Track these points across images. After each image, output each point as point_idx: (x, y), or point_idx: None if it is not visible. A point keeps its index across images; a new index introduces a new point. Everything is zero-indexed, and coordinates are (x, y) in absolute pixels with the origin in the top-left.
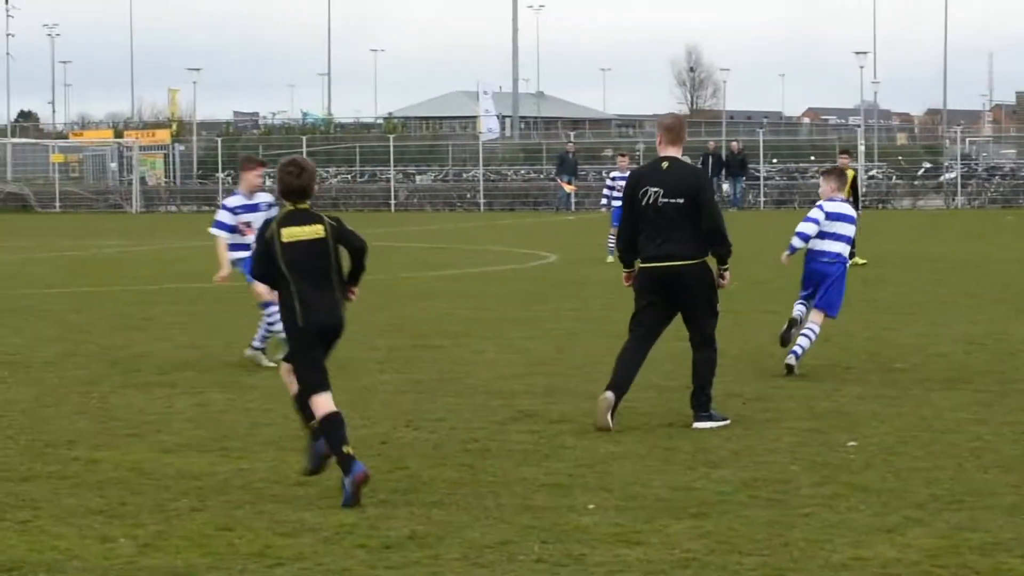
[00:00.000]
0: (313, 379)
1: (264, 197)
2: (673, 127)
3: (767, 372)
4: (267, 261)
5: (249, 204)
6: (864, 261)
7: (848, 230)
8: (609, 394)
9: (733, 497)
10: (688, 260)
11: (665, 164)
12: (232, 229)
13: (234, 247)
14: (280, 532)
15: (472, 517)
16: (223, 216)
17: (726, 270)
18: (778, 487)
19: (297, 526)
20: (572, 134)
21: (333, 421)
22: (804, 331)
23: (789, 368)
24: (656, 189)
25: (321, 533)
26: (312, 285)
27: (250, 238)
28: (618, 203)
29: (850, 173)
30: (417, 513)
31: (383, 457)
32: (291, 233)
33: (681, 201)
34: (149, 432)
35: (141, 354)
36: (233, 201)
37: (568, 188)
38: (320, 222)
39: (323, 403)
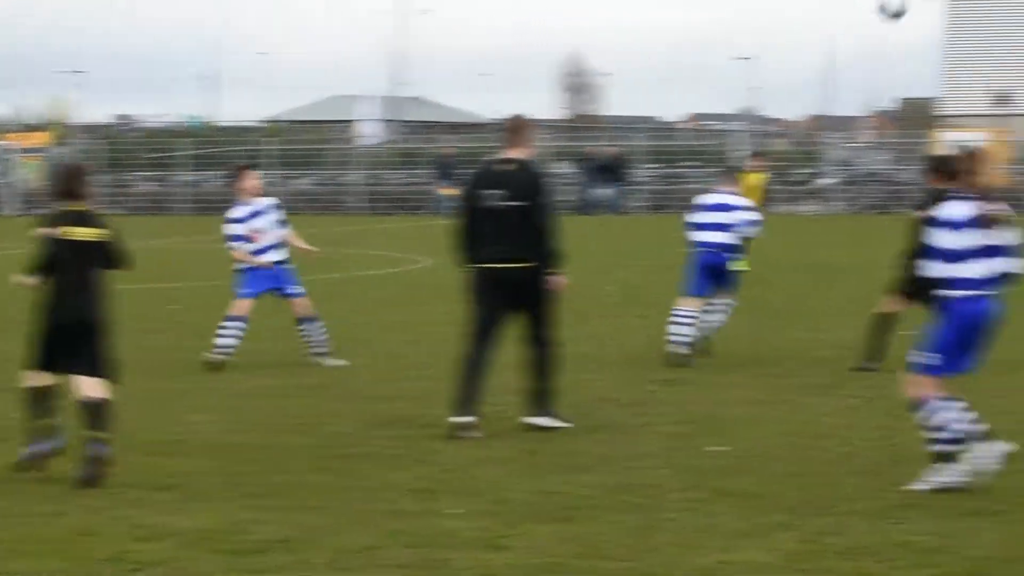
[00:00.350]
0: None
1: (267, 200)
2: (515, 128)
3: (643, 377)
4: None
5: (255, 210)
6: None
7: (730, 218)
8: (470, 420)
9: (600, 502)
10: (529, 263)
11: (508, 166)
12: (246, 239)
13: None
14: (139, 536)
15: (339, 522)
16: (234, 229)
17: (555, 274)
18: (646, 492)
19: (158, 530)
20: (443, 139)
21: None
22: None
23: (684, 356)
24: (498, 192)
25: (183, 537)
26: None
27: (262, 243)
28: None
29: (758, 177)
30: (286, 518)
31: (255, 462)
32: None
33: (523, 204)
34: (10, 437)
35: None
36: (239, 212)
37: (447, 192)
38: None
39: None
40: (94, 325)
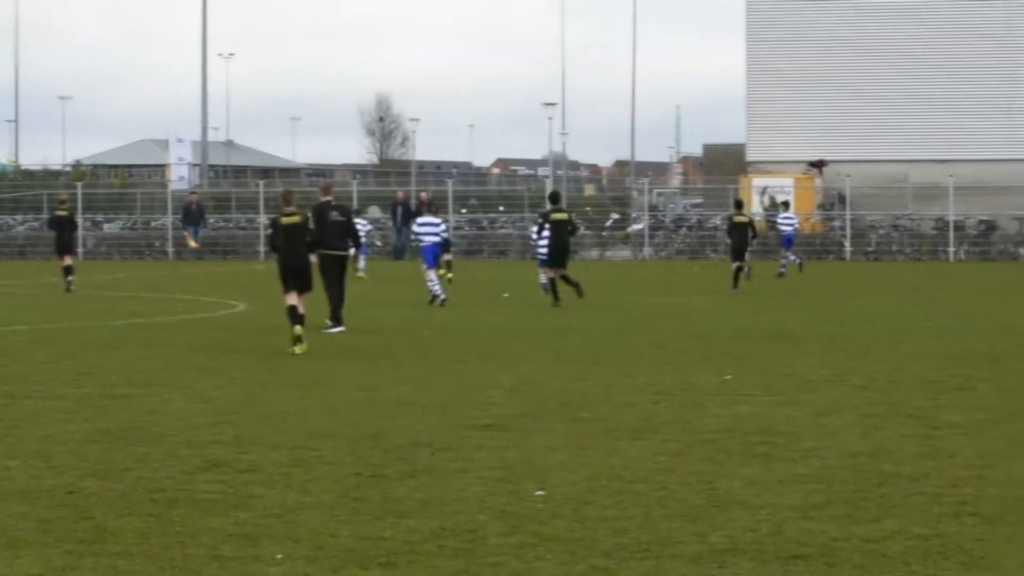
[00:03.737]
0: None
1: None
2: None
3: (456, 422)
4: None
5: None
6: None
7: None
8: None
9: (421, 547)
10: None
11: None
12: None
13: None
14: None
15: (159, 567)
16: None
17: None
18: (466, 537)
19: None
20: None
21: None
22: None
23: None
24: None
25: None
26: None
27: None
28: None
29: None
30: (103, 563)
31: (69, 507)
32: None
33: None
34: None
35: None
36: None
37: (192, 244)
38: None
39: None
40: None
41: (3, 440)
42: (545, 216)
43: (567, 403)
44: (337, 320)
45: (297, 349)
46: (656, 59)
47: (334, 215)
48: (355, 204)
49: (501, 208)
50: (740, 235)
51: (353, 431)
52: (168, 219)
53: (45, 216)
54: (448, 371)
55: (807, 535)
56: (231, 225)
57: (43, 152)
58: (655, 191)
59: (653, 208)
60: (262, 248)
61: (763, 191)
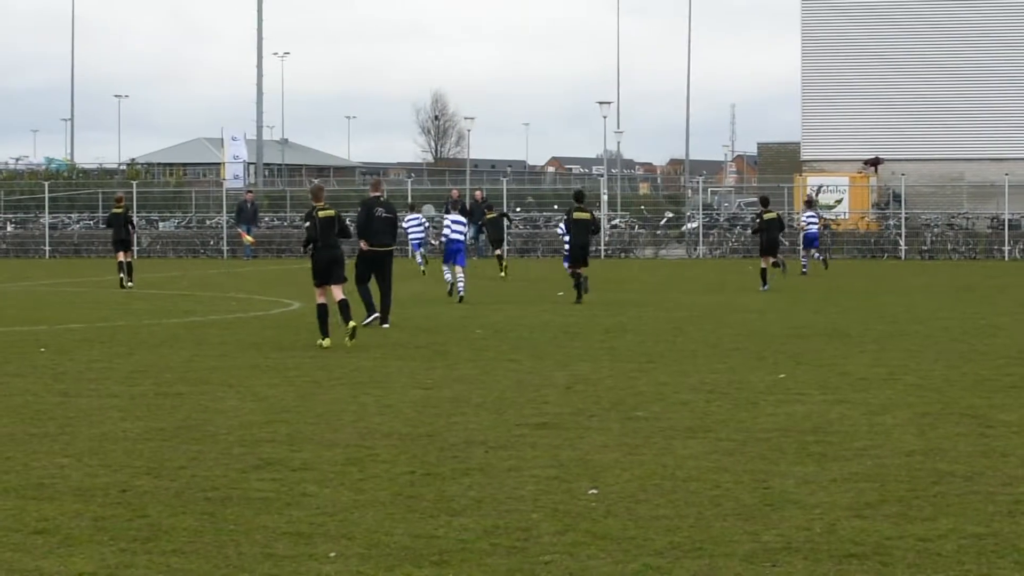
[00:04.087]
0: None
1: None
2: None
3: (510, 421)
4: None
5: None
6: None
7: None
8: None
9: (475, 545)
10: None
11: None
12: None
13: None
14: None
15: (212, 566)
16: None
17: None
18: (519, 535)
19: (35, 575)
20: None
21: None
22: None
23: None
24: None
25: None
26: None
27: None
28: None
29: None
30: (157, 561)
31: (123, 505)
32: None
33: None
34: None
35: None
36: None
37: (247, 239)
38: None
39: None
40: None
41: (57, 438)
42: (568, 214)
43: (621, 402)
44: (385, 313)
45: (326, 342)
46: (711, 57)
47: (380, 211)
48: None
49: (556, 207)
50: (769, 232)
51: (408, 429)
52: (223, 217)
53: (101, 214)
54: (502, 370)
55: (861, 534)
56: (285, 224)
57: (98, 150)
58: (709, 190)
59: (707, 207)
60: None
61: (817, 190)
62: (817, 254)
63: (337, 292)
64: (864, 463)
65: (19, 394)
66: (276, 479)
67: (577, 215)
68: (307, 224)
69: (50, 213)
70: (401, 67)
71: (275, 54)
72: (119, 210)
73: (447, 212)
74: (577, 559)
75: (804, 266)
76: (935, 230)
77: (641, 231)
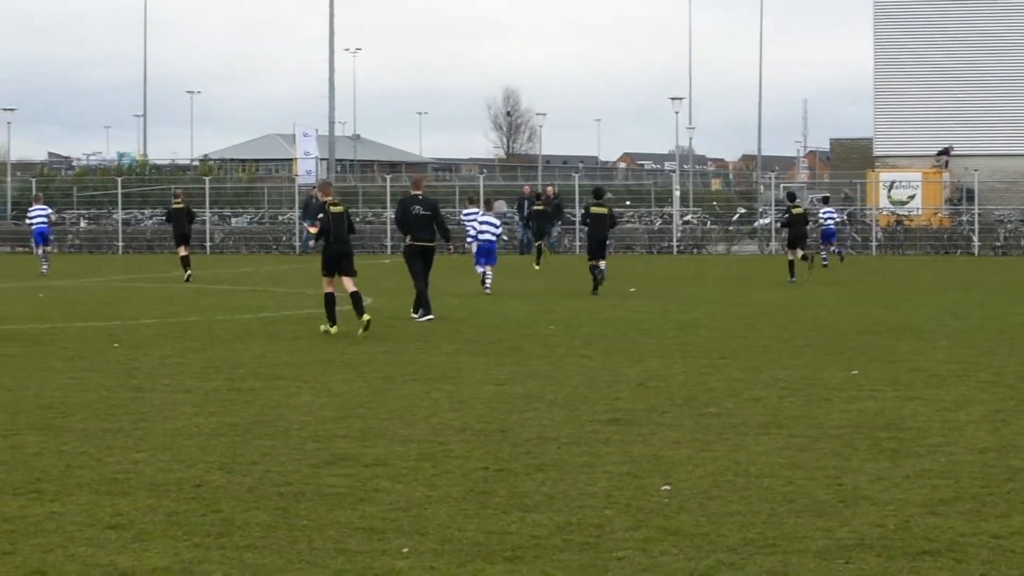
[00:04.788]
0: None
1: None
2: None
3: (582, 417)
4: None
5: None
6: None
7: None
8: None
9: (547, 541)
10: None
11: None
12: None
13: None
14: None
15: (286, 561)
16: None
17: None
18: (592, 531)
19: (110, 569)
20: (388, 177)
21: None
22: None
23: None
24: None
25: None
26: None
27: None
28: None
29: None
30: (230, 556)
31: (197, 500)
32: None
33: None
34: None
35: None
36: None
37: (312, 230)
38: None
39: None
40: None
41: (131, 433)
42: (587, 209)
43: (693, 398)
44: (427, 308)
45: (333, 329)
46: (783, 52)
47: (417, 209)
48: (481, 198)
49: (628, 202)
50: (796, 227)
51: (480, 425)
52: (295, 213)
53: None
54: (574, 365)
55: (934, 531)
56: (357, 220)
57: (171, 146)
58: (781, 185)
59: (779, 202)
60: (388, 242)
61: (890, 185)
62: (835, 248)
63: (349, 284)
64: (937, 459)
65: (93, 389)
66: (349, 475)
67: (595, 210)
68: (320, 216)
69: (123, 209)
70: (473, 63)
71: (347, 50)
72: (180, 206)
73: (519, 208)
74: (650, 555)
75: (824, 260)
76: (1008, 226)
77: (713, 227)
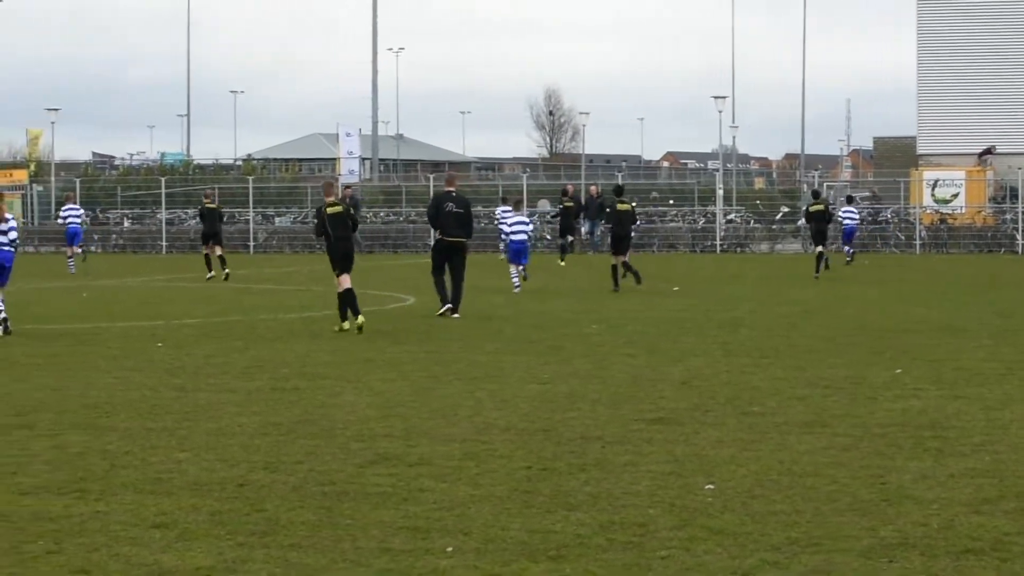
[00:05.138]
0: None
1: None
2: (452, 179)
3: (626, 416)
4: None
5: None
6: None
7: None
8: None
9: (591, 540)
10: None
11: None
12: None
13: None
14: (136, 575)
15: (330, 560)
16: None
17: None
18: (636, 530)
19: (154, 569)
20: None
21: None
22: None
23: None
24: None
25: None
26: None
27: None
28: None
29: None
30: (275, 555)
31: (241, 500)
32: None
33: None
34: (5, 474)
35: None
36: None
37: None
38: None
39: None
40: None
41: (175, 433)
42: (611, 207)
43: (737, 397)
44: (444, 299)
45: (346, 325)
46: (826, 51)
47: (449, 206)
48: (525, 197)
49: (671, 201)
50: (819, 223)
51: (524, 424)
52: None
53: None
54: (617, 365)
55: (979, 530)
56: (401, 219)
57: (214, 146)
58: (825, 184)
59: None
60: (432, 242)
61: (934, 184)
62: (848, 248)
63: (344, 281)
64: (982, 458)
65: (136, 389)
66: (393, 474)
67: (619, 207)
68: (315, 220)
69: (166, 209)
70: (515, 62)
71: (390, 49)
72: (212, 206)
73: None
74: (693, 554)
75: (848, 257)
76: None
77: (756, 226)
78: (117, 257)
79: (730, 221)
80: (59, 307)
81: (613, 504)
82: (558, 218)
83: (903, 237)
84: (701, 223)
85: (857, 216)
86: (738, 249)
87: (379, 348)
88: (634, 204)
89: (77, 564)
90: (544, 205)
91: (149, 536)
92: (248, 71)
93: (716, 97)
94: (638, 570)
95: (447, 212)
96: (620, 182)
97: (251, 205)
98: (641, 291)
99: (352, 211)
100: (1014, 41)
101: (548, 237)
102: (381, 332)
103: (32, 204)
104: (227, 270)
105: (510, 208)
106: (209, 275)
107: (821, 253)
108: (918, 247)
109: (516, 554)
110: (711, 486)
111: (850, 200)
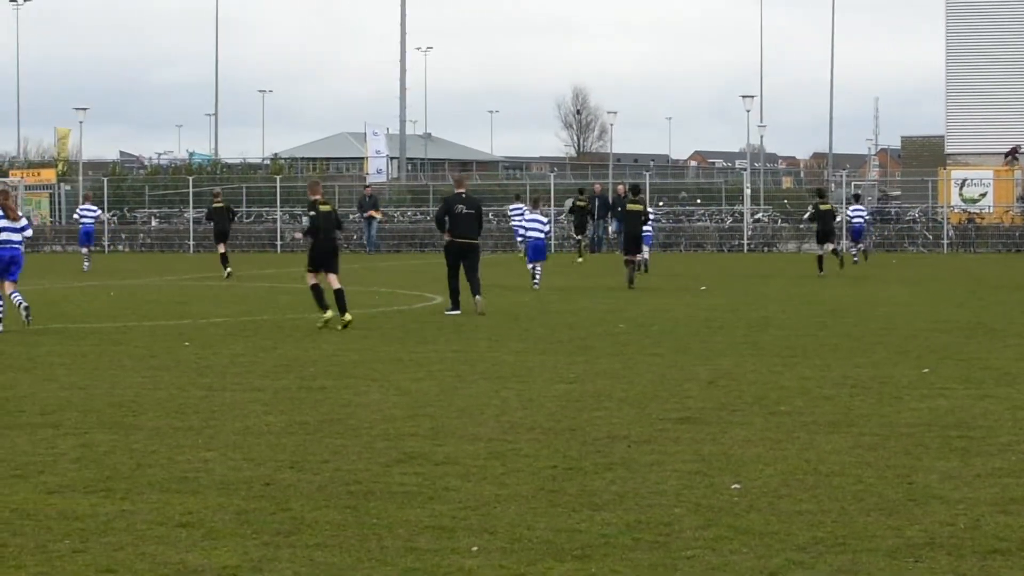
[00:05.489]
0: None
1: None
2: (461, 180)
3: (652, 415)
4: None
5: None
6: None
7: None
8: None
9: (617, 540)
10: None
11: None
12: None
13: None
14: (162, 574)
15: (355, 559)
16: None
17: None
18: (662, 530)
19: (180, 568)
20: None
21: None
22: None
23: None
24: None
25: (204, 575)
26: None
27: None
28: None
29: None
30: (300, 555)
31: (267, 499)
32: None
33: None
34: (32, 473)
35: (24, 395)
36: None
37: (376, 215)
38: None
39: None
40: None
41: (201, 432)
42: (623, 206)
43: (764, 396)
44: (455, 304)
45: (328, 314)
46: (854, 50)
47: (460, 208)
48: (552, 196)
49: (698, 200)
50: (824, 222)
51: (550, 424)
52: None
53: (244, 208)
54: (644, 364)
55: (1005, 530)
56: (428, 218)
57: (242, 145)
58: (853, 183)
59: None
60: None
61: (962, 183)
62: (861, 245)
63: (334, 281)
64: (1009, 458)
65: (164, 388)
66: (419, 473)
67: (631, 207)
68: (312, 214)
69: (194, 208)
70: (543, 61)
71: (418, 49)
72: (221, 204)
73: (598, 208)
74: (719, 554)
75: (855, 256)
76: None
77: (784, 225)
78: (144, 256)
79: (757, 220)
80: (86, 306)
81: (639, 503)
82: (572, 216)
83: (931, 236)
84: (728, 222)
85: (865, 214)
86: (765, 249)
87: (406, 347)
88: (654, 206)
89: (103, 563)
90: (571, 204)
91: (175, 535)
92: (276, 70)
93: (744, 96)
94: (664, 570)
95: (458, 214)
96: (635, 182)
97: (278, 204)
98: (668, 290)
99: (373, 208)
100: None
101: (575, 237)
102: (408, 331)
103: (60, 203)
104: (228, 268)
105: (521, 205)
106: (227, 271)
107: (834, 251)
108: (946, 247)
109: (542, 553)
110: (737, 486)
111: (857, 198)
